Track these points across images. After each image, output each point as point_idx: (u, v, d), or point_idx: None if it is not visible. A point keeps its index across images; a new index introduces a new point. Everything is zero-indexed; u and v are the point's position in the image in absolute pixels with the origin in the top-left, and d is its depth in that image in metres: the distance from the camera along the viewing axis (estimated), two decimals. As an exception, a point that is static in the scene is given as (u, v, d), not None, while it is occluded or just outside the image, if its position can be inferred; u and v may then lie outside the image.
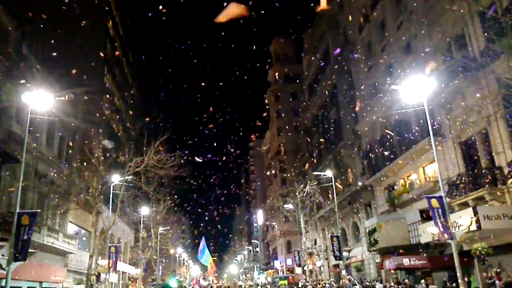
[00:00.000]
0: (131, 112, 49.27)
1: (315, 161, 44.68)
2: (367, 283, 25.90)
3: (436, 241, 17.37)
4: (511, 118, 14.92)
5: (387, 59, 27.59)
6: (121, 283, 39.43)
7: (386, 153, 26.55)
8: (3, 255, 17.51)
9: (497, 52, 15.04)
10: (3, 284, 14.81)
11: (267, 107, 77.50)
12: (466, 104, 18.49)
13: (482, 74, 16.65)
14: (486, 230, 15.64)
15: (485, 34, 16.66)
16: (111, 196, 27.54)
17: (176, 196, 42.64)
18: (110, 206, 27.65)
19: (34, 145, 22.83)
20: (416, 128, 22.89)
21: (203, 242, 49.03)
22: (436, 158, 15.64)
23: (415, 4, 23.40)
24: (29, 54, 24.40)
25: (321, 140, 43.00)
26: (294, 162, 57.13)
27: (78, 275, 29.84)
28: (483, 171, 17.32)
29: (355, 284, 26.65)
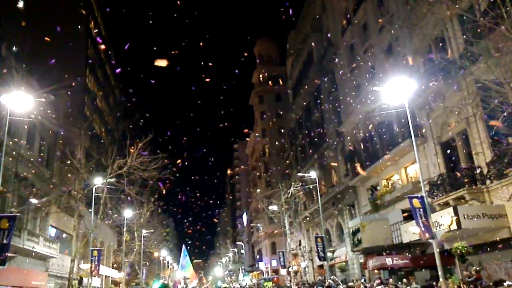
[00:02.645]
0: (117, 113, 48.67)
1: (299, 162, 44.87)
2: (351, 284, 26.09)
3: (416, 240, 17.62)
4: (489, 119, 15.23)
5: (369, 61, 27.91)
6: (104, 287, 38.90)
7: (368, 153, 26.84)
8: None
9: (476, 54, 15.35)
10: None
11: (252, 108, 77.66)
12: (446, 106, 18.82)
13: (462, 76, 16.98)
14: (466, 229, 15.94)
15: (464, 36, 17.00)
16: (93, 198, 27.15)
17: (159, 199, 42.27)
18: (93, 209, 27.26)
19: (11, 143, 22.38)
20: (398, 129, 23.20)
21: (183, 252, 48.40)
22: (417, 158, 15.88)
23: (396, 7, 23.76)
24: (9, 55, 23.94)
25: (305, 141, 43.21)
26: (278, 163, 57.25)
27: (60, 280, 29.34)
28: (463, 171, 17.65)
29: (339, 284, 26.82)
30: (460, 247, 14.79)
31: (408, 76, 17.07)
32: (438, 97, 19.30)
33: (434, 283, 17.80)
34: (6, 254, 15.16)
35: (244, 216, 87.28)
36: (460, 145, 18.83)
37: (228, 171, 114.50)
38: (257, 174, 72.03)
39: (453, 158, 19.40)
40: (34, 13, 35.51)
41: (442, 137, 19.95)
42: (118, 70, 53.89)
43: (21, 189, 24.26)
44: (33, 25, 33.48)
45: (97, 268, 27.42)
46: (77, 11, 39.94)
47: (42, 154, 28.17)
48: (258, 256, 76.29)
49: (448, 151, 19.75)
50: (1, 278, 18.64)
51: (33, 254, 24.37)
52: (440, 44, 19.85)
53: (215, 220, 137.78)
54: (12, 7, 32.65)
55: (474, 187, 16.92)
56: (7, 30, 25.04)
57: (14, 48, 25.40)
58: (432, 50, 20.53)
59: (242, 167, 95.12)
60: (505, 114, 13.06)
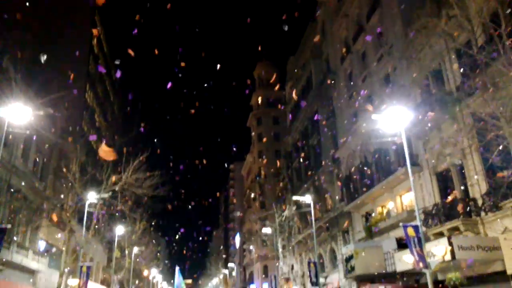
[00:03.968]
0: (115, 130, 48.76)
1: (295, 185, 44.81)
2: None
3: (410, 270, 17.51)
4: (485, 152, 15.39)
5: (367, 89, 28.27)
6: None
7: (364, 180, 26.87)
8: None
9: (472, 88, 15.63)
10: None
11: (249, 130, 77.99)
12: (442, 136, 19.02)
13: (458, 108, 17.23)
14: (460, 260, 15.88)
15: (461, 70, 17.33)
16: (85, 214, 26.90)
17: (153, 217, 42.05)
18: (84, 224, 26.97)
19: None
20: (394, 157, 23.34)
21: (177, 271, 47.82)
22: (413, 187, 15.93)
23: (395, 39, 24.25)
24: (9, 66, 24.07)
25: (301, 165, 43.26)
26: (274, 186, 57.18)
27: (47, 295, 28.77)
28: (458, 202, 17.70)
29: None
30: (453, 278, 14.72)
31: (405, 105, 17.30)
32: (435, 128, 19.52)
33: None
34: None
35: (237, 237, 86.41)
36: (456, 176, 18.94)
37: (223, 191, 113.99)
38: (252, 195, 71.74)
39: (448, 188, 19.48)
40: (37, 27, 35.91)
41: (438, 167, 20.09)
42: (121, 77, 54.05)
43: (13, 201, 24.06)
44: (35, 38, 33.71)
45: (86, 284, 26.89)
46: (80, 27, 40.50)
47: (36, 167, 28.05)
48: (249, 279, 75.20)
49: (444, 181, 19.84)
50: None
51: (21, 267, 23.99)
52: (438, 76, 20.20)
53: (207, 239, 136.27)
54: (15, 20, 33.01)
55: (468, 218, 16.95)
56: (9, 42, 25.21)
57: (15, 60, 25.50)
58: (430, 82, 20.88)
59: (237, 188, 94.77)
60: (500, 147, 13.22)
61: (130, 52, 20.19)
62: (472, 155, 17.27)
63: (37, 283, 26.89)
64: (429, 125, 19.54)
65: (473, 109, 15.36)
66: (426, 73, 20.91)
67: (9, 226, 17.10)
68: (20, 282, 24.31)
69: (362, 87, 29.07)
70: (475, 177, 16.93)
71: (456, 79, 18.33)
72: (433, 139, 19.97)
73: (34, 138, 24.97)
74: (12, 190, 23.65)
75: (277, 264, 43.14)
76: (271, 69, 76.05)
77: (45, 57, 22.54)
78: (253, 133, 74.84)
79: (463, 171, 18.24)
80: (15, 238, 23.81)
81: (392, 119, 15.77)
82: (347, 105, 31.86)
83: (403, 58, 22.07)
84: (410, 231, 14.78)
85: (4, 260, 20.92)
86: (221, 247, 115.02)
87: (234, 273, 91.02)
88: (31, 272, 26.03)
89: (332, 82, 35.01)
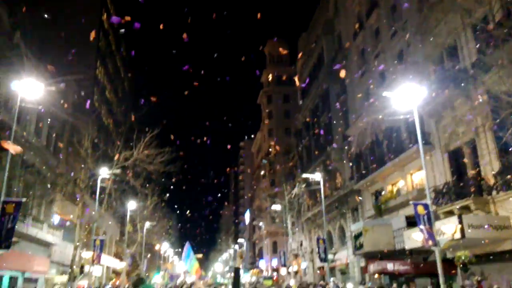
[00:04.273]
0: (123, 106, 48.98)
1: (304, 163, 44.86)
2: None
3: (418, 247, 17.57)
4: (499, 130, 15.14)
5: (379, 66, 27.81)
6: (104, 276, 39.16)
7: (375, 158, 26.77)
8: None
9: (488, 65, 15.26)
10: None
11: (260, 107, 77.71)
12: (455, 115, 18.73)
13: (473, 85, 16.88)
14: (469, 238, 15.87)
15: (477, 46, 16.90)
16: (98, 189, 27.34)
17: (164, 192, 42.60)
18: (97, 199, 27.44)
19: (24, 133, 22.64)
20: (406, 135, 23.13)
21: (187, 246, 48.60)
22: (424, 166, 15.82)
23: (409, 14, 23.67)
24: (21, 42, 24.07)
25: (311, 143, 43.18)
26: (283, 163, 57.30)
27: (62, 267, 29.59)
28: (469, 181, 17.57)
29: (338, 286, 26.86)
30: (462, 256, 14.74)
31: (418, 83, 17.01)
32: (448, 106, 19.21)
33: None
34: (11, 238, 15.33)
35: (247, 214, 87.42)
36: (468, 155, 18.73)
37: (233, 169, 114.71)
38: (262, 173, 72.12)
39: (460, 167, 19.32)
40: (46, 2, 35.74)
41: (450, 146, 19.86)
42: (132, 53, 53.88)
43: (27, 176, 24.49)
44: (45, 13, 33.54)
45: (99, 257, 27.59)
46: (90, 2, 40.21)
47: (49, 141, 28.40)
48: (259, 254, 76.43)
49: (455, 160, 19.66)
50: (5, 261, 18.85)
51: (37, 240, 24.60)
52: (452, 52, 19.74)
53: (218, 215, 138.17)
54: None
55: (479, 197, 16.85)
56: (20, 18, 25.16)
57: (26, 36, 25.50)
58: (444, 58, 20.43)
59: (247, 165, 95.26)
60: (515, 125, 12.99)
61: (128, 18, 19.84)
62: (485, 133, 17.02)
63: (52, 255, 27.62)
64: (442, 102, 19.22)
65: (488, 86, 15.02)
66: (440, 49, 20.45)
67: (24, 199, 17.47)
68: (36, 254, 24.98)
69: (375, 64, 28.61)
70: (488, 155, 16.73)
71: (471, 55, 17.90)
72: (446, 117, 19.69)
73: (42, 110, 25.05)
74: (26, 164, 24.04)
75: (286, 240, 43.66)
76: (282, 46, 75.17)
77: (49, 15, 22.37)
78: (263, 111, 74.66)
79: (476, 149, 18.03)
80: (30, 212, 24.36)
81: (405, 97, 15.53)
82: (359, 82, 31.45)
83: (417, 33, 21.56)
84: (420, 209, 14.75)
85: (20, 233, 21.41)
86: (231, 223, 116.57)
87: (244, 248, 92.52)
88: (46, 245, 26.69)
89: (344, 59, 34.47)
